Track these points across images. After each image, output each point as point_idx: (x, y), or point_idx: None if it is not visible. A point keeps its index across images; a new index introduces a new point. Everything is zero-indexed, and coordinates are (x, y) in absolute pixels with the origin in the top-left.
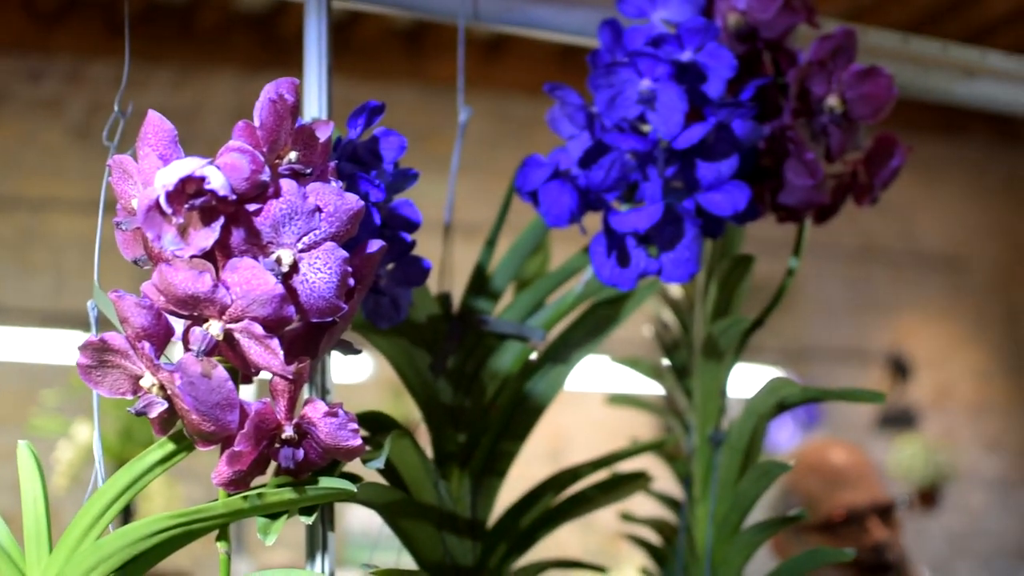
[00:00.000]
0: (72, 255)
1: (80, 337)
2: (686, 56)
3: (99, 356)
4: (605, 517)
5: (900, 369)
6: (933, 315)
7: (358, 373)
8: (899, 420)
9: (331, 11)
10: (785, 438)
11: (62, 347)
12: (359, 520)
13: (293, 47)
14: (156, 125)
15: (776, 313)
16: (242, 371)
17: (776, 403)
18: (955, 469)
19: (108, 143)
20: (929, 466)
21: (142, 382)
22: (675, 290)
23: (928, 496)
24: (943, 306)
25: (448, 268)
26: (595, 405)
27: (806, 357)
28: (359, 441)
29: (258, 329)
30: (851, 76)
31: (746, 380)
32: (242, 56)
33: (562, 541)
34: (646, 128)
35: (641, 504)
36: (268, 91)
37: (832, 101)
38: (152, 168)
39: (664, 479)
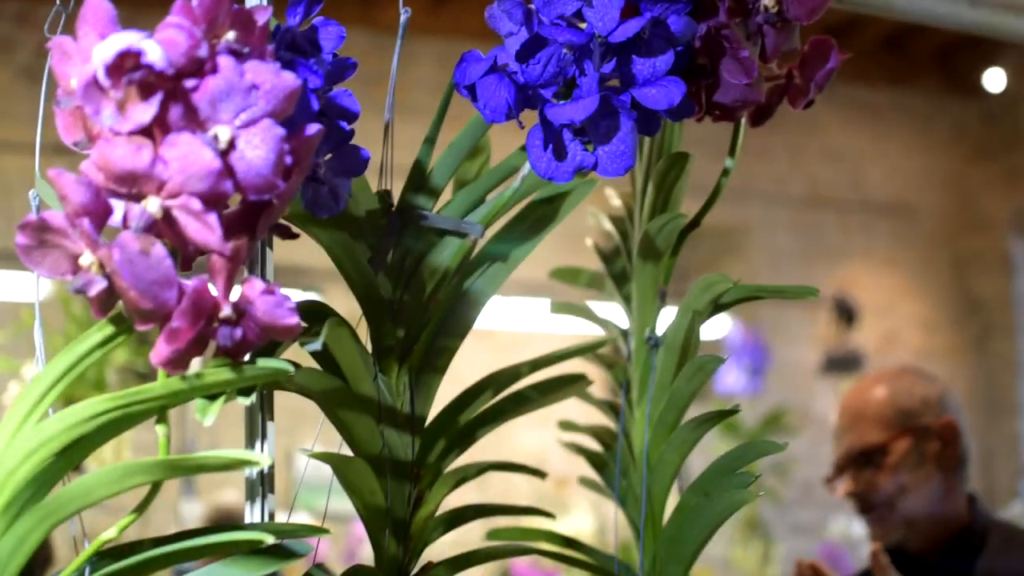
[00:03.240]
0: (22, 197)
1: (29, 277)
2: None
3: (39, 236)
4: (555, 463)
5: (845, 313)
6: (880, 263)
7: None
8: (844, 363)
9: None
10: (731, 382)
11: (10, 286)
12: (312, 467)
13: None
14: (96, 5)
15: (724, 259)
16: (180, 250)
17: (710, 300)
18: None
19: (49, 35)
20: None
21: (81, 260)
22: (615, 199)
23: None
24: (889, 255)
25: (387, 168)
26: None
27: (753, 303)
28: (296, 319)
29: (196, 205)
30: None
31: (725, 357)
32: None
33: (512, 487)
34: (583, 25)
35: (583, 416)
36: None
37: (767, 1)
38: (91, 46)
39: (603, 388)
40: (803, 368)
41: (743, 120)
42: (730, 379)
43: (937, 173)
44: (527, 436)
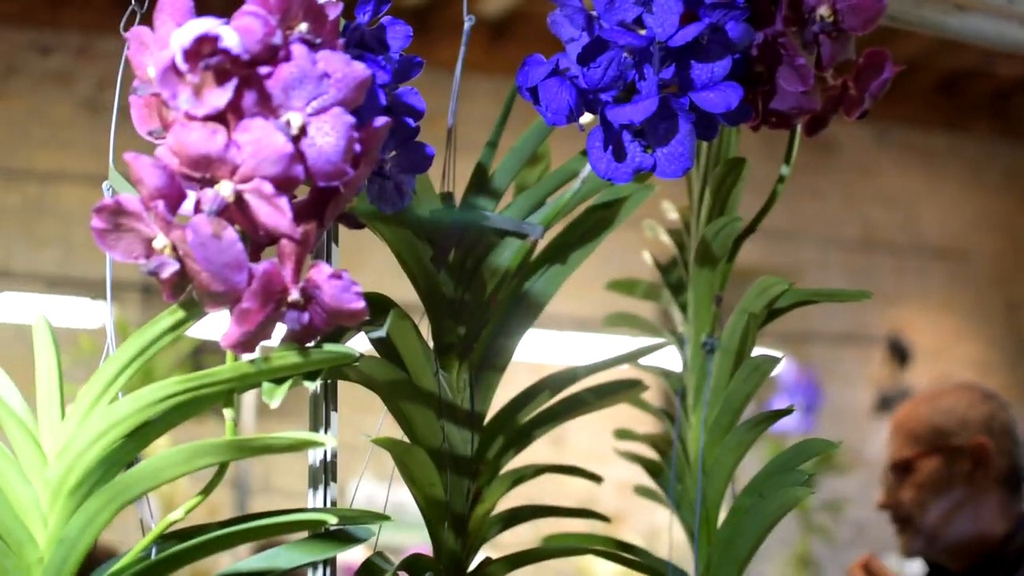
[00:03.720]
0: (80, 227)
1: (88, 304)
2: None
3: (114, 219)
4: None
5: (899, 353)
6: (933, 306)
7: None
8: (897, 403)
9: None
10: (784, 420)
11: (70, 313)
12: (364, 494)
13: None
14: None
15: None
16: (251, 235)
17: (766, 303)
18: None
19: (125, 34)
20: None
21: (155, 243)
22: (672, 212)
23: None
24: (943, 297)
25: (449, 173)
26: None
27: (807, 342)
28: (362, 304)
29: (268, 188)
30: None
31: (781, 356)
32: None
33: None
34: (643, 31)
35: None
36: None
37: (823, 10)
38: (169, 34)
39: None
40: (856, 408)
41: (799, 129)
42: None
43: (991, 217)
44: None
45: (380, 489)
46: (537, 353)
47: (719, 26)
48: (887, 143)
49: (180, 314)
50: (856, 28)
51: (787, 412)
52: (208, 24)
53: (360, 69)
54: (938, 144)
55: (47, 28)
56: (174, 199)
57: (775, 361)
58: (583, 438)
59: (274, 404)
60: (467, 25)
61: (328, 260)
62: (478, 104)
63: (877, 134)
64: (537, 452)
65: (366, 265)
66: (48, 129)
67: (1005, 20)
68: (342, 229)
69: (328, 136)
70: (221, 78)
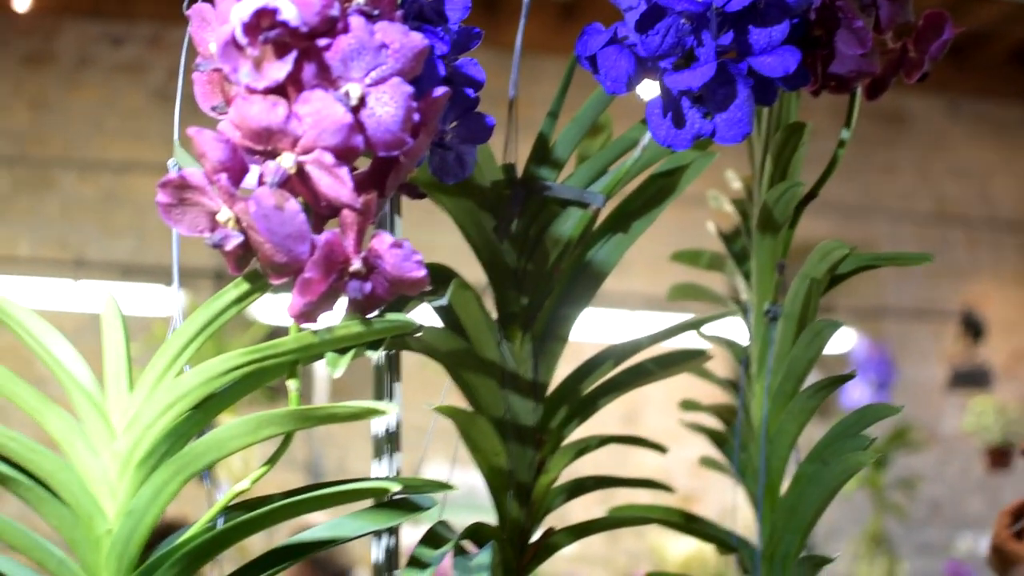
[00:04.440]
0: (154, 216)
1: (161, 290)
2: None
3: (179, 194)
4: (650, 416)
5: (973, 328)
6: (1008, 279)
7: None
8: (972, 378)
9: None
10: (857, 397)
11: (144, 300)
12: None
13: None
14: None
15: (851, 276)
16: (313, 207)
17: (828, 267)
18: None
19: (187, 12)
20: (1001, 424)
21: (219, 216)
22: (735, 182)
23: (1000, 454)
24: (1018, 271)
25: (512, 142)
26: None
27: (879, 316)
28: (423, 272)
29: (329, 159)
30: None
31: (842, 322)
32: None
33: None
34: None
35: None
36: None
37: None
38: (229, 9)
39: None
40: (930, 385)
41: (859, 93)
42: (856, 394)
43: None
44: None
45: (454, 471)
46: (607, 333)
47: None
48: (959, 115)
49: (245, 286)
50: None
51: (849, 377)
52: None
53: (418, 39)
54: (1011, 116)
55: (119, 19)
56: (237, 172)
57: (836, 325)
58: (655, 417)
59: (337, 374)
60: (526, 3)
61: (391, 231)
62: (545, 85)
63: (949, 106)
64: (608, 429)
65: (436, 249)
66: (121, 120)
67: None
68: (407, 203)
69: (387, 106)
70: (281, 51)
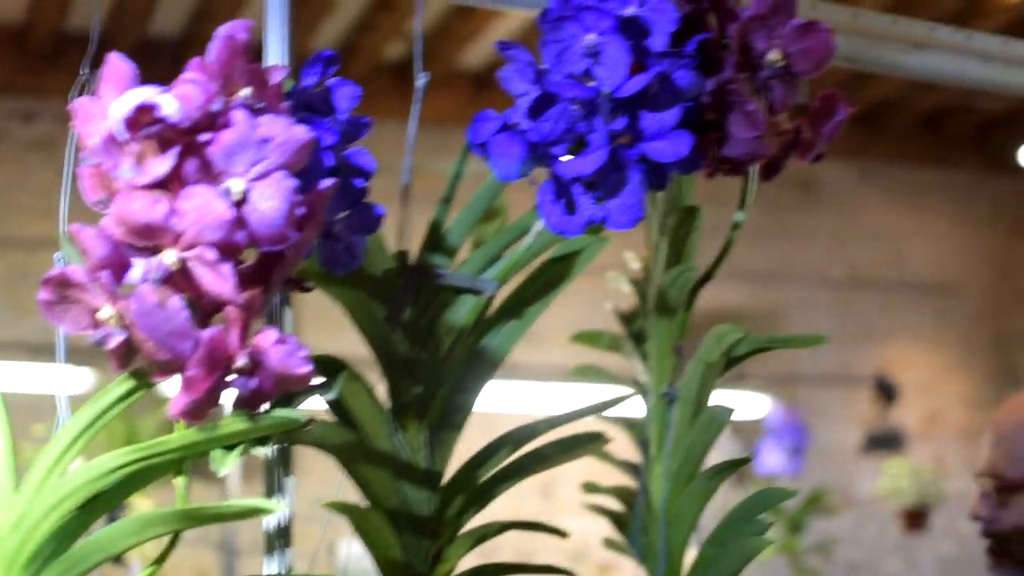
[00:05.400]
0: None
1: (70, 369)
2: (630, 10)
3: (61, 291)
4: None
5: (886, 391)
6: (922, 342)
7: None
8: (885, 442)
9: None
10: (772, 463)
11: (52, 380)
12: (356, 559)
13: None
14: (116, 66)
15: None
16: (197, 303)
17: (723, 351)
18: (943, 493)
19: (70, 106)
20: (915, 487)
21: (100, 314)
22: (634, 263)
23: (916, 517)
24: (932, 333)
25: (405, 230)
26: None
27: (793, 383)
28: (309, 367)
29: (211, 255)
30: (791, 31)
31: (735, 407)
32: None
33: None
34: (592, 82)
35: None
36: (222, 30)
37: (773, 55)
38: (109, 104)
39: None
40: (844, 448)
41: (754, 174)
42: (771, 460)
43: (978, 251)
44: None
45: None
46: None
47: (667, 75)
48: (871, 180)
49: (130, 383)
50: (807, 71)
51: (746, 460)
52: (147, 93)
53: (301, 133)
54: (923, 179)
55: (30, 95)
56: (119, 269)
57: (730, 412)
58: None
59: (223, 472)
60: (419, 83)
61: (281, 322)
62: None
63: (861, 172)
64: (525, 503)
65: None
66: (32, 197)
67: (964, 56)
68: None
69: (270, 201)
70: (162, 146)
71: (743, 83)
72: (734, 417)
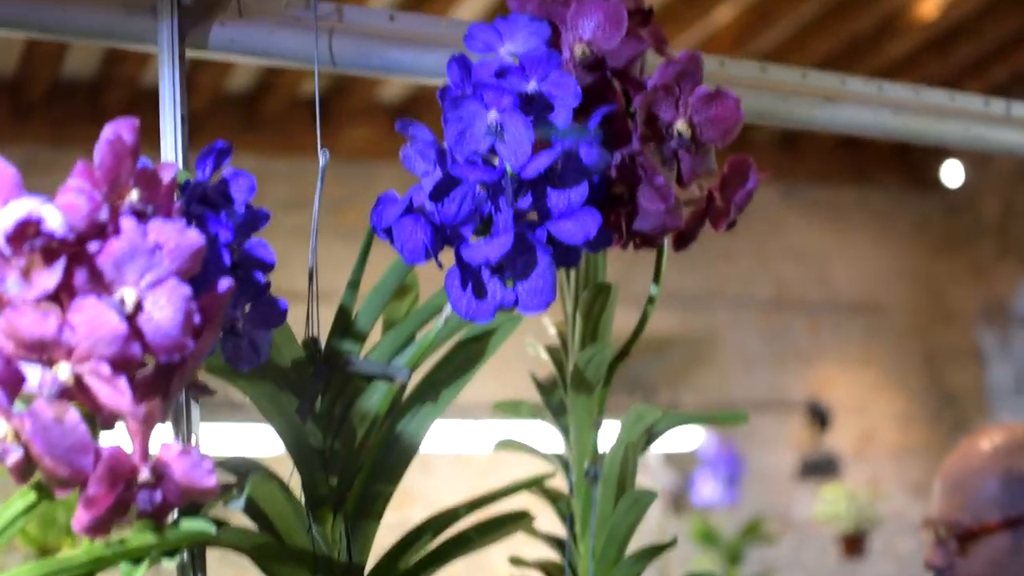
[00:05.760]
0: None
1: None
2: (531, 87)
3: None
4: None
5: (819, 417)
6: (852, 362)
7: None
8: (821, 468)
9: (184, 59)
10: (708, 493)
11: None
12: None
13: (203, 123)
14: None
15: (695, 367)
16: (95, 415)
17: (643, 430)
18: (880, 515)
19: None
20: (852, 513)
21: None
22: (550, 328)
23: (854, 543)
24: (860, 353)
25: (313, 316)
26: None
27: (727, 409)
28: (214, 480)
29: (105, 369)
30: (698, 100)
31: (667, 436)
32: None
33: None
34: (496, 160)
35: (533, 548)
36: (107, 132)
37: (680, 126)
38: None
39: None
40: (780, 474)
41: (666, 245)
42: (706, 490)
43: (903, 268)
44: None
45: None
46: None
47: (572, 152)
48: (794, 200)
49: (32, 496)
50: (715, 140)
51: (672, 544)
52: (29, 205)
53: (194, 238)
54: (845, 198)
55: None
56: (12, 385)
57: (653, 495)
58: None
59: None
60: (322, 161)
61: (188, 427)
62: (382, 190)
63: (783, 192)
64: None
65: None
66: None
67: (876, 107)
68: None
69: (165, 309)
70: (49, 258)
71: (650, 154)
72: (668, 449)
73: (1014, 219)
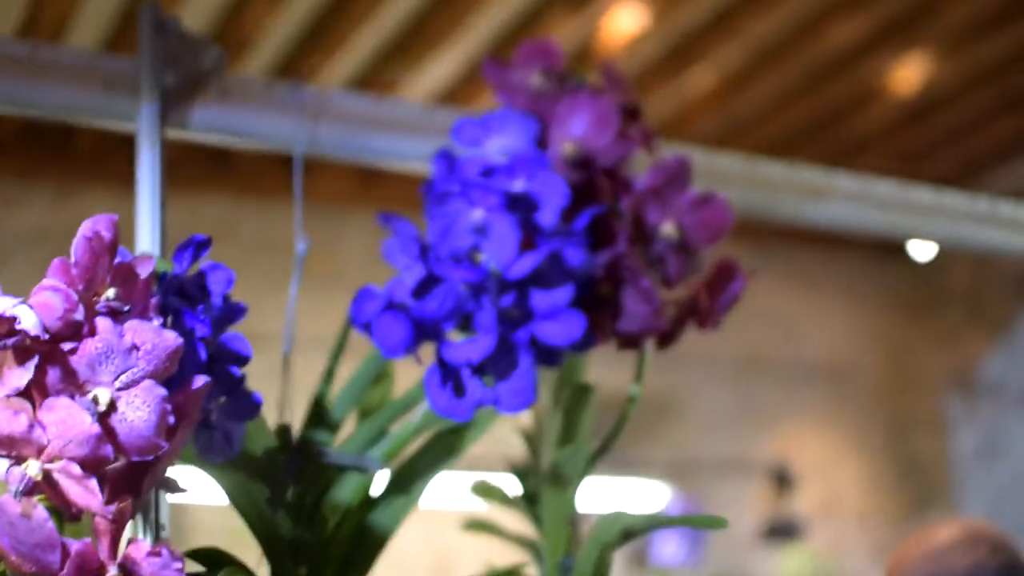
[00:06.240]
0: None
1: None
2: (518, 186)
3: None
4: None
5: (783, 481)
6: (818, 425)
7: None
8: (784, 531)
9: (164, 143)
10: (670, 553)
11: None
12: None
13: (175, 164)
14: None
15: (662, 426)
16: (64, 512)
17: (620, 531)
18: None
19: None
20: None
21: None
22: (525, 417)
23: None
24: (828, 416)
25: (287, 400)
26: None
27: (692, 470)
28: None
29: (76, 469)
30: (687, 203)
31: (632, 495)
32: (122, 175)
33: None
34: (480, 258)
35: None
36: (84, 228)
37: (668, 229)
38: None
39: None
40: (743, 535)
41: (649, 346)
42: (668, 550)
43: (873, 332)
44: None
45: None
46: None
47: (559, 254)
48: (764, 261)
49: None
50: (703, 243)
51: None
52: (3, 304)
53: (171, 339)
54: (815, 260)
55: None
56: None
57: None
58: None
59: None
60: (300, 249)
61: (156, 521)
62: (352, 238)
63: (753, 252)
64: None
65: None
66: None
67: (863, 204)
68: None
69: (139, 411)
70: (22, 356)
71: (637, 256)
72: (631, 508)
73: (983, 287)
